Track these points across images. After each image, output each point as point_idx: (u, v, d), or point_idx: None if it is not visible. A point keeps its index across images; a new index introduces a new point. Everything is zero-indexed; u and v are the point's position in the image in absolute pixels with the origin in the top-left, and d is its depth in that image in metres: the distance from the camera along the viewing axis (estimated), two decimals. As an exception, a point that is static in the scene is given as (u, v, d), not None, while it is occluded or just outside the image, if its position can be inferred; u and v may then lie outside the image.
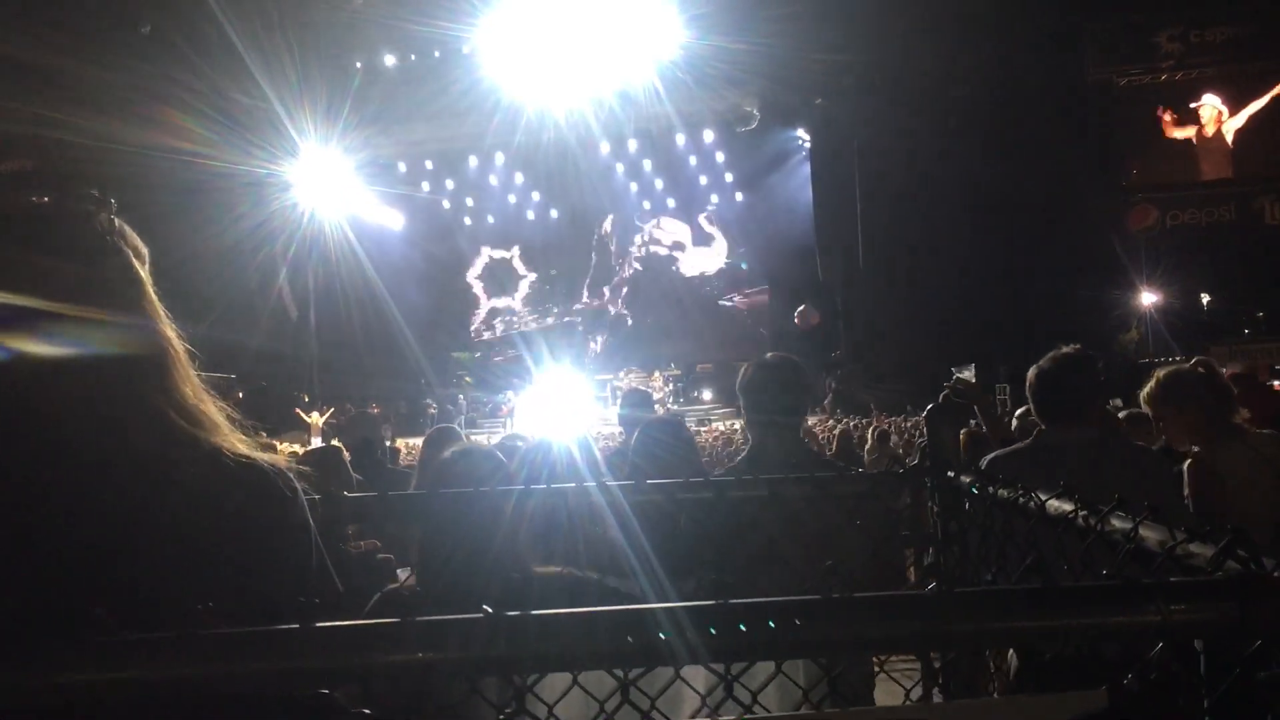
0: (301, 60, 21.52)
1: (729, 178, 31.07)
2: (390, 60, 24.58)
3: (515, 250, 32.83)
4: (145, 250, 1.48)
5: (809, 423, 20.60)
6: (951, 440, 1.92)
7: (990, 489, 1.56)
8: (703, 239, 32.55)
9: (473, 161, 30.27)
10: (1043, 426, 3.53)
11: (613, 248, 33.06)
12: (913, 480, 1.79)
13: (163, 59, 19.72)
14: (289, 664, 0.85)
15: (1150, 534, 1.23)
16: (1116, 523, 1.29)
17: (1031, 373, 3.65)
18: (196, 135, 19.87)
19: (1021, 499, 1.42)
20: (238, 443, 1.39)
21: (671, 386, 28.49)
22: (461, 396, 28.48)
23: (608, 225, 32.92)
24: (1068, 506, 1.36)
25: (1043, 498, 1.36)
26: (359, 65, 24.40)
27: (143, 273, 1.47)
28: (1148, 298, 19.87)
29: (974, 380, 6.34)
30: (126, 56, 19.12)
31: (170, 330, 1.47)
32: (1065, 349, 3.64)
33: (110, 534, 1.20)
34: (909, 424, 15.84)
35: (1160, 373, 4.28)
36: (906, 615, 0.86)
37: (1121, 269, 20.49)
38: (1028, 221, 21.38)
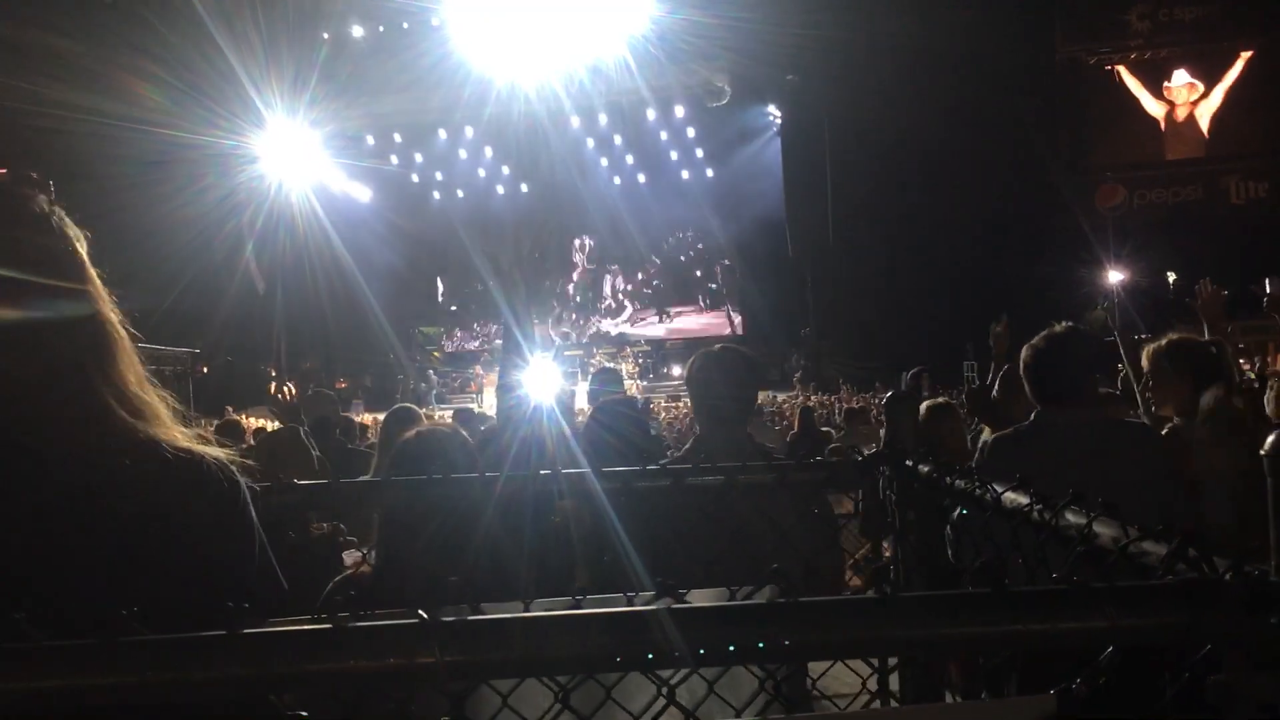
0: (268, 30, 21.18)
1: (699, 153, 30.98)
2: (358, 31, 24.26)
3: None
4: (83, 235, 1.44)
5: (778, 399, 20.72)
6: (912, 424, 1.91)
7: (947, 479, 1.55)
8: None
9: (442, 135, 30.00)
10: (1039, 407, 3.48)
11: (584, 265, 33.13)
12: (870, 469, 1.78)
13: (127, 29, 19.35)
14: (210, 673, 0.82)
15: (1104, 530, 1.22)
16: (1071, 518, 1.28)
17: (1026, 352, 3.59)
18: (161, 106, 19.54)
19: (978, 491, 1.41)
20: (178, 435, 1.36)
21: (641, 363, 28.51)
22: (432, 371, 28.36)
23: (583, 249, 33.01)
24: (1024, 500, 1.35)
25: (999, 490, 1.35)
26: (326, 36, 24.06)
27: (84, 256, 1.43)
28: (1114, 276, 20.03)
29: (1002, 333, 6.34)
30: (90, 26, 18.76)
31: (114, 315, 1.43)
32: (1058, 327, 3.58)
33: (37, 529, 1.16)
34: (877, 401, 15.93)
35: (1169, 337, 4.25)
36: (843, 622, 0.84)
37: (1088, 247, 20.63)
38: (995, 198, 21.49)
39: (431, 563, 1.89)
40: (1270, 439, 0.94)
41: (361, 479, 2.40)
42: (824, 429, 11.44)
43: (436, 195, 32.66)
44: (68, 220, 1.42)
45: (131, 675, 0.81)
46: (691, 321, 32.60)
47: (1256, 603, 0.90)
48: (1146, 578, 1.08)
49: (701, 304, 32.75)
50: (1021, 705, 0.94)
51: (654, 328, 32.40)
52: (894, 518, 1.75)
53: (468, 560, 1.84)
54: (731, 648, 0.85)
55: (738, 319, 31.89)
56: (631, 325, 32.66)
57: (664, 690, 0.96)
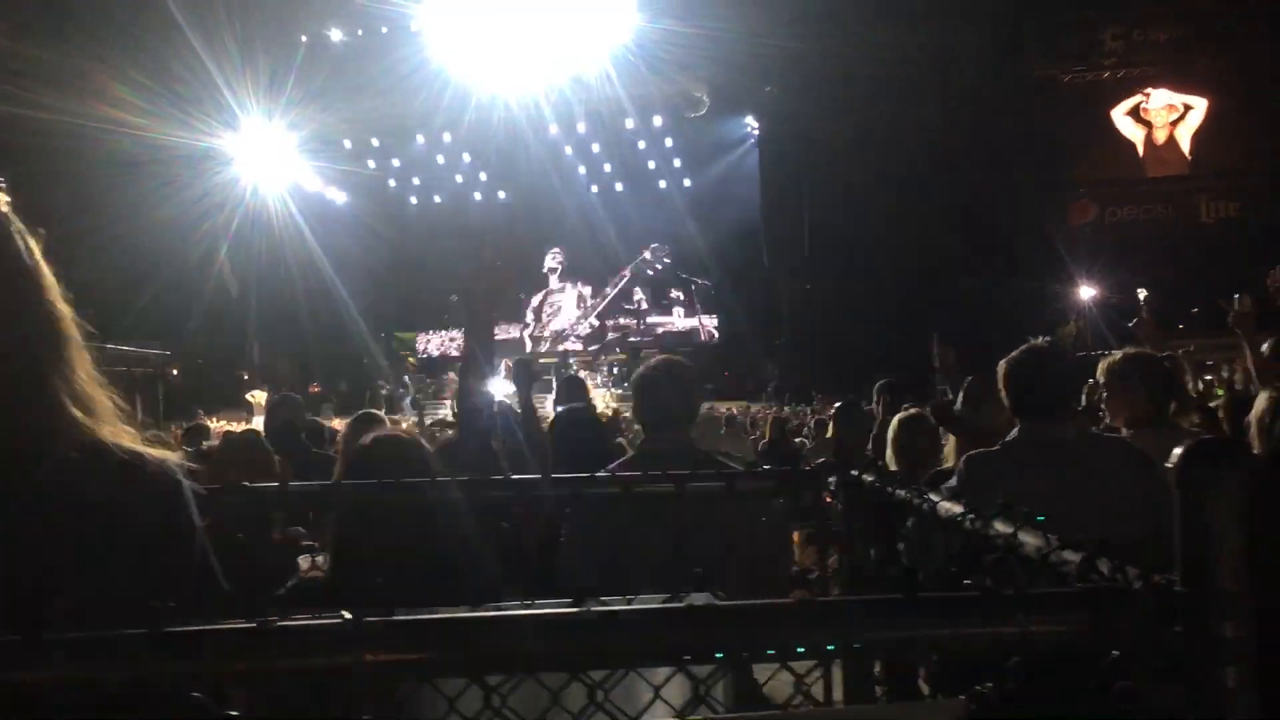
0: (244, 32, 21.11)
1: (677, 163, 31.06)
2: (336, 35, 24.20)
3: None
4: (39, 232, 1.45)
5: (752, 409, 20.77)
6: (860, 432, 1.94)
7: (889, 489, 1.58)
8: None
9: (420, 140, 29.94)
10: (1020, 422, 3.47)
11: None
12: (818, 478, 1.81)
13: (101, 30, 19.23)
14: (130, 671, 0.83)
15: (1029, 540, 1.25)
16: (1000, 527, 1.31)
17: (1003, 367, 3.58)
18: (137, 108, 19.42)
19: (915, 500, 1.44)
20: (124, 435, 1.36)
21: (616, 372, 28.49)
22: (407, 377, 28.23)
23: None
24: (957, 509, 1.38)
25: (934, 499, 1.37)
26: (304, 39, 23.99)
27: (38, 253, 1.43)
28: (1086, 292, 20.26)
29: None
30: (64, 27, 18.62)
31: (68, 311, 1.44)
32: (1037, 342, 3.59)
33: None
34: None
35: (1124, 351, 4.32)
36: (759, 624, 0.87)
37: (1061, 263, 20.87)
38: (970, 214, 21.70)
39: (382, 567, 1.90)
40: (1175, 452, 0.97)
41: (312, 483, 2.41)
42: (798, 439, 11.46)
43: (414, 200, 32.59)
44: (14, 216, 1.43)
45: (49, 672, 0.82)
46: (668, 331, 32.66)
47: (1161, 612, 0.93)
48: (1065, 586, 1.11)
49: (678, 314, 32.80)
50: (934, 708, 0.96)
51: (631, 337, 32.41)
52: (841, 526, 1.77)
53: (418, 565, 1.85)
54: (651, 648, 0.87)
55: (714, 328, 31.96)
56: (606, 335, 32.66)
57: (599, 695, 0.98)
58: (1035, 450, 3.29)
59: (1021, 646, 0.92)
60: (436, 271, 29.88)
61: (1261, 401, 3.59)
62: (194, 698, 0.97)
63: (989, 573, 1.15)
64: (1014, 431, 3.42)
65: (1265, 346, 5.23)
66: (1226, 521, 0.96)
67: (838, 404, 2.00)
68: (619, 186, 32.01)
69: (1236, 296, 5.52)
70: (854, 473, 1.66)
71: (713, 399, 17.63)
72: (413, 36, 23.31)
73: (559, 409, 3.94)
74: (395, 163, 31.13)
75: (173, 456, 1.41)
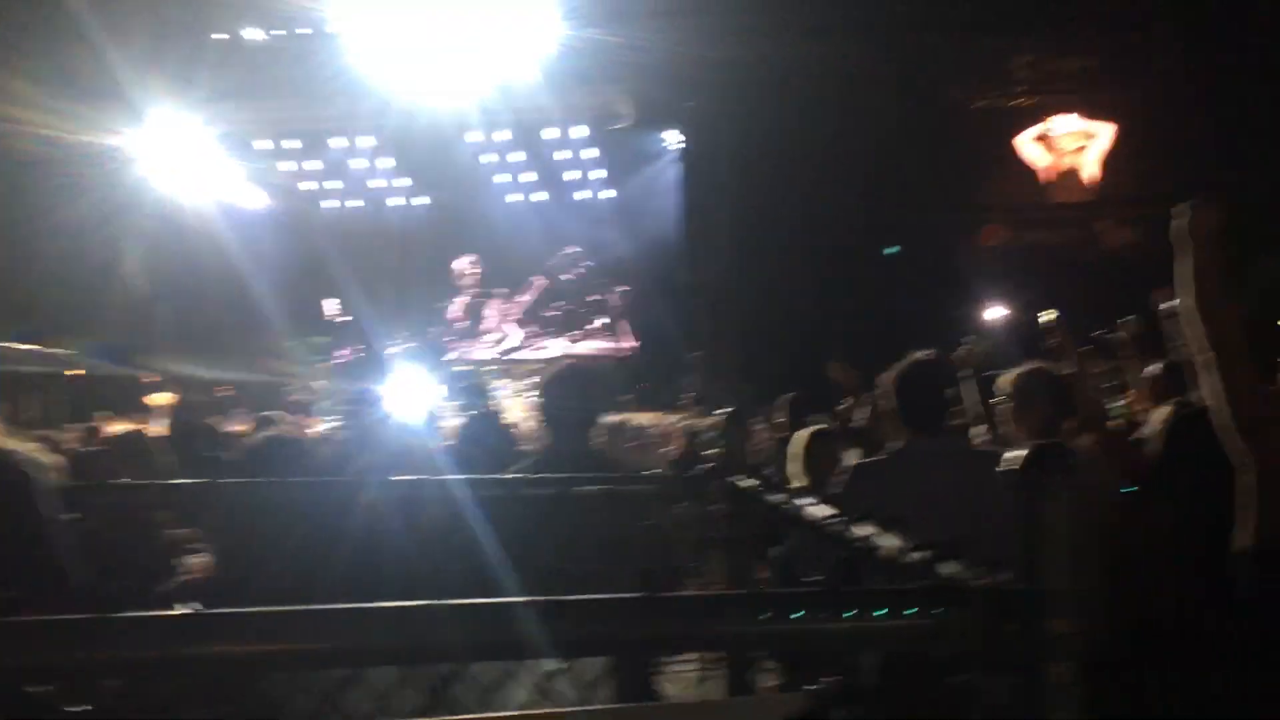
0: (156, 29, 20.59)
1: (599, 174, 31.11)
2: (252, 34, 23.72)
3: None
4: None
5: (667, 421, 20.83)
6: (741, 441, 1.97)
7: (763, 493, 1.62)
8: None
9: (338, 144, 29.48)
10: (906, 433, 3.55)
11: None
12: (699, 483, 1.84)
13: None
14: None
15: (885, 542, 1.28)
16: (859, 531, 1.35)
17: (889, 378, 3.67)
18: (38, 106, 18.78)
19: (784, 504, 1.47)
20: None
21: (531, 379, 28.31)
22: (318, 382, 27.70)
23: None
24: (821, 513, 1.42)
25: (798, 504, 1.41)
26: (218, 37, 23.47)
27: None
28: (990, 313, 20.87)
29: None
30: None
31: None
32: (920, 355, 3.68)
33: None
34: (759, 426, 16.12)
35: (1023, 367, 4.45)
36: (600, 618, 0.88)
37: (970, 284, 21.47)
38: (881, 235, 22.22)
39: (261, 564, 1.88)
40: (1009, 457, 1.01)
41: (192, 480, 2.37)
42: (711, 451, 11.54)
43: (330, 204, 32.05)
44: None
45: None
46: (586, 343, 32.56)
47: (996, 610, 0.97)
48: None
49: (597, 323, 32.73)
50: (775, 702, 0.99)
51: (548, 348, 32.24)
52: (719, 531, 1.81)
53: (292, 562, 1.83)
54: (486, 642, 0.88)
55: (632, 341, 32.00)
56: (523, 347, 32.45)
57: (437, 685, 0.98)
58: (917, 460, 3.41)
59: (861, 642, 0.95)
60: (352, 277, 29.41)
61: (1163, 411, 3.74)
62: (28, 693, 0.95)
63: (839, 572, 1.18)
64: (899, 442, 3.53)
65: (1151, 369, 5.42)
66: (1057, 523, 1.00)
67: (723, 413, 2.04)
68: (541, 196, 31.88)
69: (1120, 321, 5.74)
70: (730, 480, 1.70)
71: (629, 409, 17.66)
72: (332, 39, 22.97)
73: (468, 414, 3.92)
74: (312, 165, 30.58)
75: (39, 453, 1.38)
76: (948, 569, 1.13)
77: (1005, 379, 4.58)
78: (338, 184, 31.29)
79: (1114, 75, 24.17)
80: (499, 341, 32.74)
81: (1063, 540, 0.97)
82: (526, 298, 32.84)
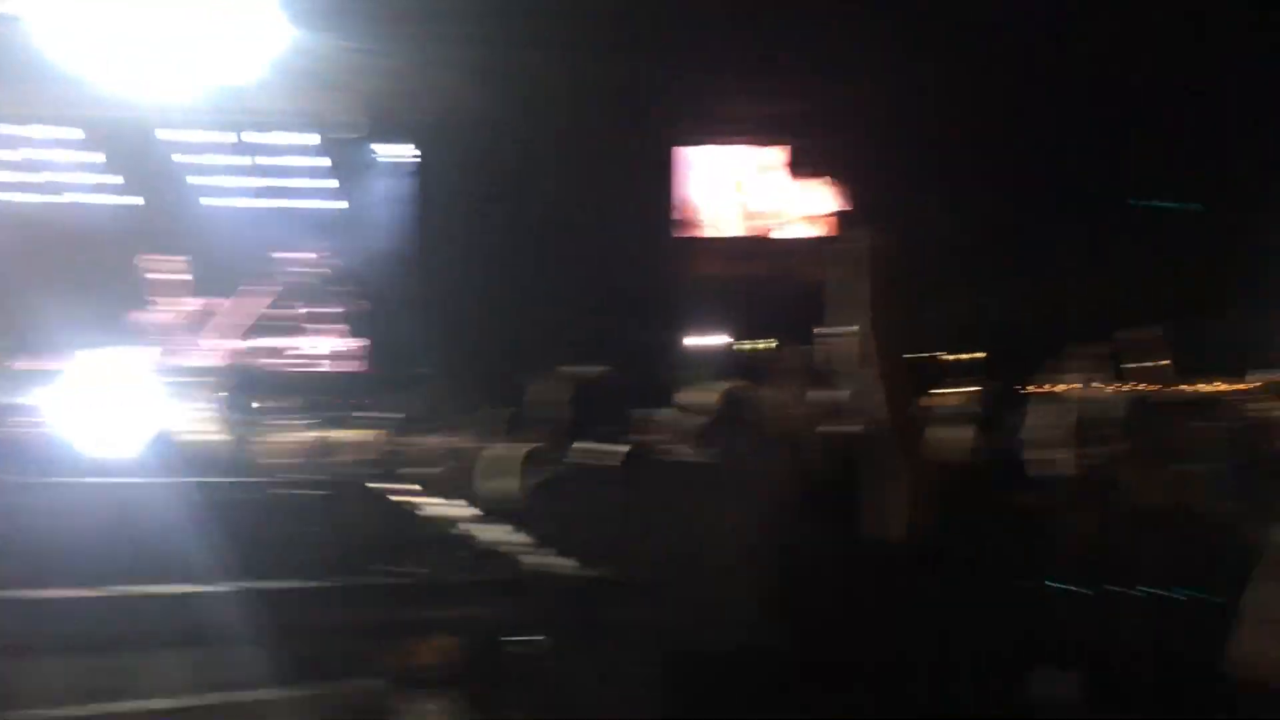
0: None
1: (330, 182, 30.44)
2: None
3: None
4: None
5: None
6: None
7: (387, 494, 2.09)
8: None
9: (35, 133, 27.25)
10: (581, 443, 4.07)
11: None
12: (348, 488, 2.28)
13: None
14: None
15: (488, 534, 1.80)
16: (467, 528, 1.87)
17: (564, 392, 4.17)
18: None
19: (407, 504, 1.96)
20: None
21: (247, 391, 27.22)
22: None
23: None
24: (443, 512, 1.93)
25: (418, 502, 1.90)
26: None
27: None
28: (689, 341, 22.86)
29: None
30: None
31: None
32: (594, 369, 4.19)
33: None
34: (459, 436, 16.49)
35: (729, 384, 5.09)
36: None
37: (670, 314, 23.27)
38: (592, 264, 23.61)
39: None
40: (619, 451, 1.51)
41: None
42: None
43: (27, 198, 29.44)
44: None
45: None
46: (315, 351, 31.63)
47: (575, 598, 1.43)
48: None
49: (322, 335, 31.84)
50: (350, 692, 1.36)
51: (269, 357, 31.05)
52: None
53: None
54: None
55: (363, 351, 31.40)
56: (243, 353, 31.08)
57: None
58: (586, 468, 3.96)
59: (451, 626, 1.38)
60: (47, 277, 27.14)
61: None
62: None
63: (434, 560, 1.66)
64: (573, 454, 4.09)
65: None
66: (636, 515, 1.50)
67: (403, 416, 2.40)
68: (267, 202, 30.75)
69: (784, 349, 6.58)
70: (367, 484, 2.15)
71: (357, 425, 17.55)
72: (40, 26, 21.33)
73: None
74: (11, 156, 28.01)
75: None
76: (533, 560, 1.58)
77: (711, 397, 5.25)
78: (36, 178, 28.79)
79: (818, 123, 26.60)
80: (212, 347, 31.18)
81: (647, 532, 1.45)
82: (245, 304, 31.46)
